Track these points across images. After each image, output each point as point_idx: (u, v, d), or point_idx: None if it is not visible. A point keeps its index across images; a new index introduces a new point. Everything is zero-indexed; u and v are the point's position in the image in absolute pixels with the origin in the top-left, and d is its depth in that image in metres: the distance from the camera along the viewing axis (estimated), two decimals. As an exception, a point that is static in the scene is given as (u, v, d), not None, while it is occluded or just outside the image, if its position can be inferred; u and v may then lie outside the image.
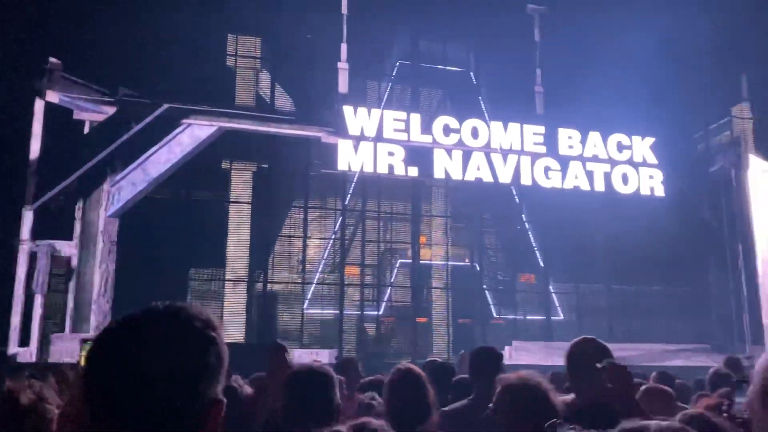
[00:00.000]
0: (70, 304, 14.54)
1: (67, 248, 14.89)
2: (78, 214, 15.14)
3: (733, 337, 18.72)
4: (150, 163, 15.65)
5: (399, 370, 3.29)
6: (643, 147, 19.23)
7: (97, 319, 14.70)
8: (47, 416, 2.64)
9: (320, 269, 18.87)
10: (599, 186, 18.62)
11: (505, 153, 18.45)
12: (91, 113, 15.45)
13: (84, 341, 11.03)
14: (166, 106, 15.57)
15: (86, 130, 15.58)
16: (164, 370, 1.14)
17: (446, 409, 3.84)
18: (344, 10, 17.53)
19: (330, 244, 19.22)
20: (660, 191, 19.05)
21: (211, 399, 1.19)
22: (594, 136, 18.72)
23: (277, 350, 5.74)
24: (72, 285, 14.68)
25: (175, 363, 1.15)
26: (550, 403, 2.63)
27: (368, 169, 16.97)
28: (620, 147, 18.99)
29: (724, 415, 2.49)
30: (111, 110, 15.39)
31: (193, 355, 1.18)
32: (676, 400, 4.82)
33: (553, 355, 15.91)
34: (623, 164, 19.09)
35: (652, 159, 19.30)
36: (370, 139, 17.84)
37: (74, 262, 14.84)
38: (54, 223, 14.87)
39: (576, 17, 19.22)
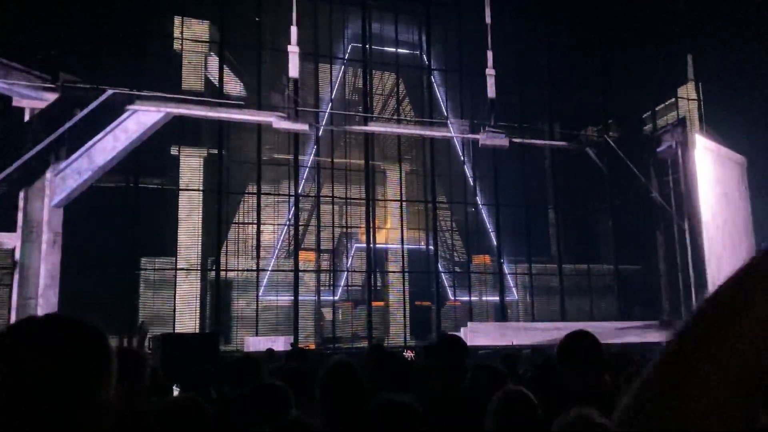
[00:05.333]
0: (15, 298, 14.06)
1: (10, 240, 14.38)
2: (20, 204, 14.61)
3: (681, 313, 19.23)
4: (95, 151, 15.19)
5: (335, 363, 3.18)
6: (590, 132, 19.77)
7: (45, 313, 14.26)
8: None
9: (275, 255, 18.69)
10: (550, 165, 18.81)
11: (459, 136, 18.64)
12: (32, 100, 14.86)
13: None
14: (110, 91, 15.10)
15: (27, 117, 15.00)
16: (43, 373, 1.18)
17: None
18: (294, -8, 17.20)
19: (285, 230, 19.04)
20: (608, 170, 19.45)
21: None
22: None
23: None
24: (16, 278, 14.19)
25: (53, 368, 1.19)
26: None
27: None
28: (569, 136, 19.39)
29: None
30: (52, 97, 14.84)
31: (74, 360, 1.22)
32: None
33: (508, 336, 16.16)
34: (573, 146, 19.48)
35: (600, 141, 19.73)
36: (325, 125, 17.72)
37: (17, 254, 14.34)
38: (-5, 215, 14.35)
39: (524, 1, 19.35)
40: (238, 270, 17.93)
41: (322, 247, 19.29)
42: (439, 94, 20.90)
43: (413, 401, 2.37)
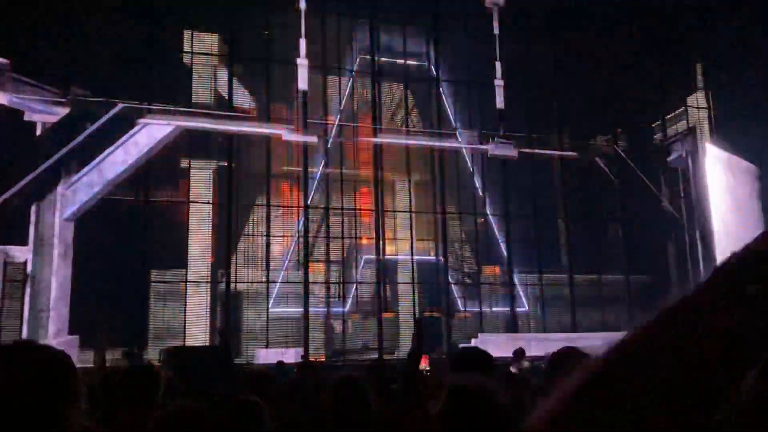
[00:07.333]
0: (26, 310, 14.13)
1: (22, 254, 14.47)
2: (32, 218, 14.72)
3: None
4: (106, 164, 15.30)
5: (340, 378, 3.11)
6: (599, 142, 19.73)
7: (56, 326, 14.34)
8: None
9: (285, 267, 18.68)
10: (560, 175, 18.78)
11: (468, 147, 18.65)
12: (43, 114, 15.01)
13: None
14: (121, 105, 15.23)
15: (38, 131, 15.14)
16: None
17: None
18: (302, 5, 17.32)
19: (294, 242, 19.03)
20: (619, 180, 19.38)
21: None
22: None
23: None
24: (27, 291, 14.26)
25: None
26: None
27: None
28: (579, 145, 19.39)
29: None
30: (63, 111, 14.99)
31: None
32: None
33: (518, 347, 16.03)
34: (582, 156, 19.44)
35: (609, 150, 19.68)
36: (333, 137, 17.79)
37: (29, 267, 14.42)
38: (7, 228, 14.43)
39: (532, 12, 19.36)
40: (247, 282, 17.93)
41: (331, 259, 19.27)
42: (448, 104, 20.91)
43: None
